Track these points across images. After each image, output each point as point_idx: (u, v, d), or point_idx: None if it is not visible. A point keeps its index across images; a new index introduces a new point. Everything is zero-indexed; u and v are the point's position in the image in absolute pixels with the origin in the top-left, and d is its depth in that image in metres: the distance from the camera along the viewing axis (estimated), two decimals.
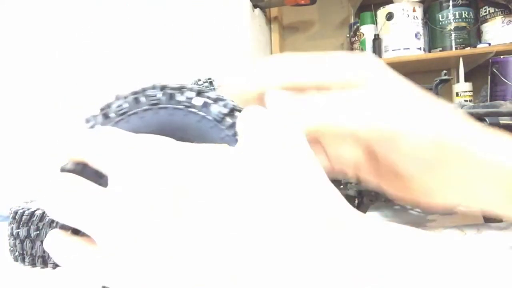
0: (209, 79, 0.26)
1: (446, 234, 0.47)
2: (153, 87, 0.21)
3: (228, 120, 0.20)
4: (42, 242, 0.41)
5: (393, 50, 1.75)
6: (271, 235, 0.15)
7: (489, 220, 0.50)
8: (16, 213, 0.43)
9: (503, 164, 0.25)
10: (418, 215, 0.56)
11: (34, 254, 0.41)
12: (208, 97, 0.20)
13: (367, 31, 1.84)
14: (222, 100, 0.21)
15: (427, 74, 1.81)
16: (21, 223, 0.42)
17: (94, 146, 0.18)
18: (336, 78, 0.23)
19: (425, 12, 1.80)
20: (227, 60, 1.45)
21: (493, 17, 1.69)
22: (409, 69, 1.88)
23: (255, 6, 1.76)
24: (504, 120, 0.47)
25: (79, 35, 0.91)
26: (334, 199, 0.17)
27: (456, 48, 1.71)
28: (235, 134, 0.20)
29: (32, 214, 0.42)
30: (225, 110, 0.20)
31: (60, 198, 0.18)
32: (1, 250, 0.47)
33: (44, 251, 0.41)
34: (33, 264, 0.41)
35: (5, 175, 0.77)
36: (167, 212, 0.16)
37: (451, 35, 1.72)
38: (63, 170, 0.19)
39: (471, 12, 1.73)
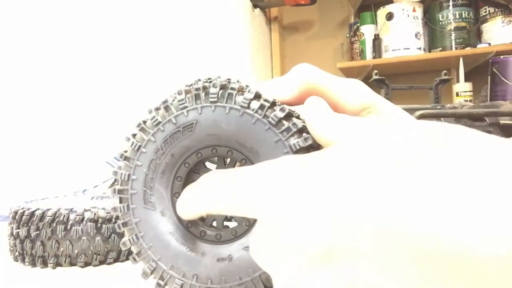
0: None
1: None
2: (214, 86, 0.22)
3: (284, 123, 0.21)
4: (42, 242, 0.41)
5: (393, 50, 1.75)
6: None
7: None
8: (16, 213, 0.43)
9: None
10: None
11: (34, 254, 0.41)
12: (265, 100, 0.22)
13: (367, 31, 1.85)
14: (278, 104, 0.22)
15: (427, 74, 1.81)
16: (21, 223, 0.42)
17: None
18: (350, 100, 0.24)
19: (425, 12, 1.80)
20: (227, 60, 1.45)
21: (493, 17, 1.69)
22: (409, 69, 1.88)
23: (255, 6, 1.76)
24: (504, 120, 0.47)
25: (80, 35, 0.91)
26: None
27: (456, 48, 1.71)
28: (288, 138, 0.21)
29: (32, 214, 0.42)
30: (281, 114, 0.21)
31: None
32: (1, 250, 0.47)
33: (44, 251, 0.41)
34: (33, 264, 0.41)
35: (5, 175, 0.77)
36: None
37: (451, 35, 1.73)
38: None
39: (471, 12, 1.73)
